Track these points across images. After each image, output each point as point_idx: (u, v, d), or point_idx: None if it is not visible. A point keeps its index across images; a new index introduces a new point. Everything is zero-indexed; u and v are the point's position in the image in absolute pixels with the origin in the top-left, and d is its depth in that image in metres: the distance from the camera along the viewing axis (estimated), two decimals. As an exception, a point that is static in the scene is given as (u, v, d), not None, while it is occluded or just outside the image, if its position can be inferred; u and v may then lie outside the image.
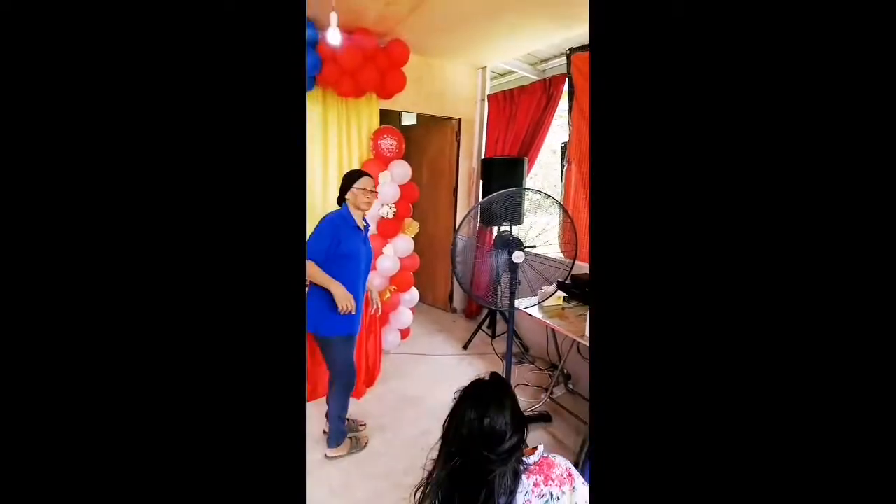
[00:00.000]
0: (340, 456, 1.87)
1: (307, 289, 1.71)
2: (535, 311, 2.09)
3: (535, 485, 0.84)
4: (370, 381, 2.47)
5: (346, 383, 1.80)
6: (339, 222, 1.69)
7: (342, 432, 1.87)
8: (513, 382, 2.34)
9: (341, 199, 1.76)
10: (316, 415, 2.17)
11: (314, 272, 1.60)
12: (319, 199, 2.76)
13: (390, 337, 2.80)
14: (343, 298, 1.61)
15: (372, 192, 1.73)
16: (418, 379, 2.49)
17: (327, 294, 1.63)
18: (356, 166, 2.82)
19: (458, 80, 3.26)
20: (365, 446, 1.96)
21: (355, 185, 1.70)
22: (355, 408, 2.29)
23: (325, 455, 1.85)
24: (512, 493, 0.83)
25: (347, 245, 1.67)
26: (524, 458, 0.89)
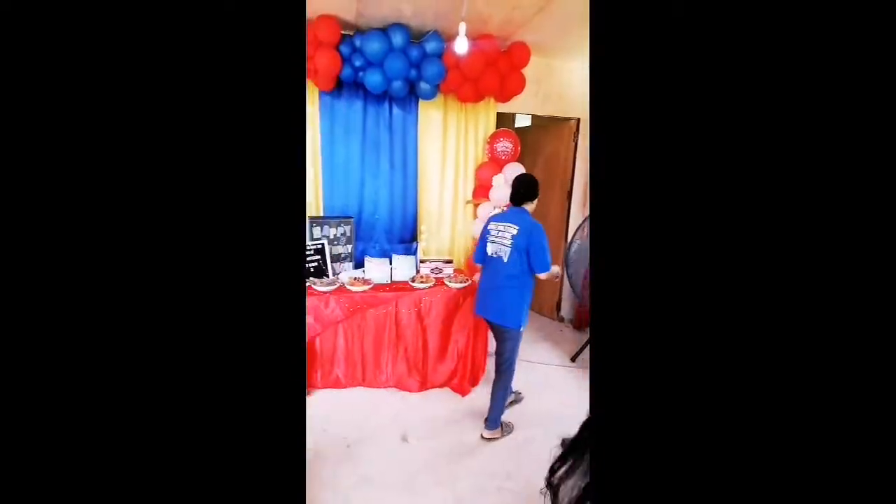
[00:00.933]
0: (496, 438, 2.05)
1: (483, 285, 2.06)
2: (659, 329, 1.90)
3: None
4: (475, 381, 2.51)
5: (513, 371, 2.03)
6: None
7: (502, 413, 2.06)
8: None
9: (523, 201, 1.98)
10: (427, 405, 2.29)
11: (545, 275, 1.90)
12: (437, 199, 2.90)
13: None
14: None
15: None
16: (522, 385, 2.44)
17: (526, 291, 1.93)
18: (472, 169, 2.90)
19: (578, 78, 3.11)
20: (512, 430, 2.12)
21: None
22: (462, 404, 2.35)
23: (482, 436, 2.05)
24: None
25: None
26: None
